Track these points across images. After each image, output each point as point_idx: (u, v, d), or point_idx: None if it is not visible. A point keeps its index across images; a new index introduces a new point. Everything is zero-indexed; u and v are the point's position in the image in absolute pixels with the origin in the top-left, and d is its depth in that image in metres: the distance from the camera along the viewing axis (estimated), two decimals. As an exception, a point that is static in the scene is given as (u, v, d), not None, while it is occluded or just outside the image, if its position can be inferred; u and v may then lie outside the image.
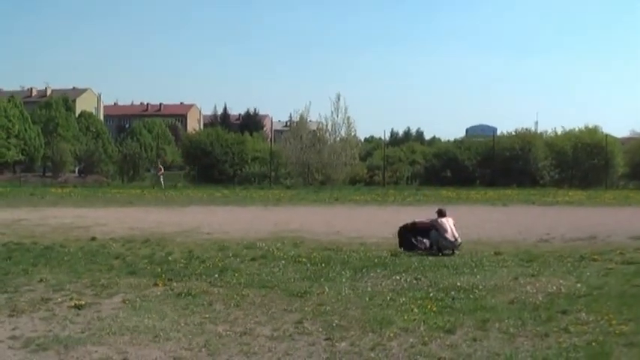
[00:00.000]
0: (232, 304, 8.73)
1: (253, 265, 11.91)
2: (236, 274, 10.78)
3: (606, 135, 43.98)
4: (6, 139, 68.65)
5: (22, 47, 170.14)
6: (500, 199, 29.07)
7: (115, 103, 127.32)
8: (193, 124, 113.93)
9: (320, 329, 7.49)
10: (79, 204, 26.80)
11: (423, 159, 45.72)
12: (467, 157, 43.28)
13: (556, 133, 47.28)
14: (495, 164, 42.44)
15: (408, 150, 48.66)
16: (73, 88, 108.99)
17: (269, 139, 76.93)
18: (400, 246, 13.89)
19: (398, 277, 10.52)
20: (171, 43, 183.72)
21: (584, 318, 7.84)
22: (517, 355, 6.51)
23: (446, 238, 13.34)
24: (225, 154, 44.53)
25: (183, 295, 9.27)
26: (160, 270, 11.19)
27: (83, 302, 8.76)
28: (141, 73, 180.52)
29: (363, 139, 66.65)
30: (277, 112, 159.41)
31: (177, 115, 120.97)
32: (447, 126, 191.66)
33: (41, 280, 10.31)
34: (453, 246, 13.37)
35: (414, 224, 14.23)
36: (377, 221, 19.35)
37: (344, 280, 10.41)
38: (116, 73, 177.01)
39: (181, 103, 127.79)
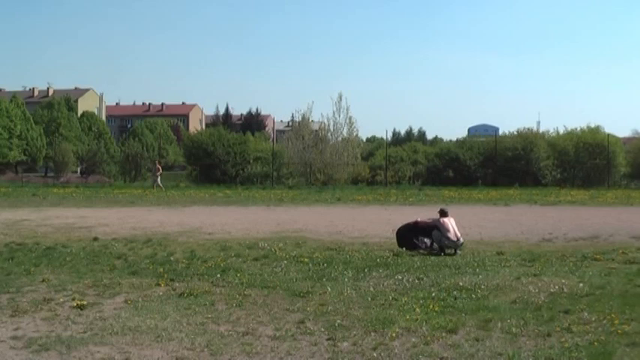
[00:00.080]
0: (234, 304, 8.73)
1: (255, 265, 11.91)
2: (238, 274, 10.78)
3: (608, 135, 43.97)
4: (8, 140, 68.76)
5: (24, 47, 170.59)
6: (503, 199, 29.04)
7: (117, 103, 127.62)
8: (195, 124, 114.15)
9: (322, 329, 7.49)
10: (81, 204, 26.80)
11: (425, 159, 45.67)
12: (469, 156, 43.25)
13: (558, 132, 47.40)
14: (497, 164, 42.44)
15: (410, 150, 48.57)
16: (75, 88, 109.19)
17: (271, 139, 77.05)
18: (399, 245, 13.89)
19: (400, 277, 10.52)
20: (173, 43, 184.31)
21: (587, 318, 7.84)
22: (519, 355, 6.50)
23: (448, 238, 13.34)
24: (227, 154, 44.53)
25: (185, 295, 9.27)
26: (162, 270, 11.19)
27: (85, 302, 8.76)
28: (143, 73, 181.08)
29: (365, 139, 66.82)
30: (279, 112, 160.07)
31: (179, 115, 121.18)
32: (449, 126, 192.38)
33: (43, 281, 10.32)
34: (455, 246, 13.36)
35: (416, 223, 14.22)
36: (379, 221, 19.33)
37: (346, 279, 10.41)
38: (118, 73, 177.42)
39: (183, 103, 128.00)
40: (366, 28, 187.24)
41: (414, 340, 7.02)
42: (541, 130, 49.80)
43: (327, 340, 7.09)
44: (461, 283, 9.93)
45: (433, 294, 9.26)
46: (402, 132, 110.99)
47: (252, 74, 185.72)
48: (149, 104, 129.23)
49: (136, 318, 8.00)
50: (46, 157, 73.10)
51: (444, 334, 7.21)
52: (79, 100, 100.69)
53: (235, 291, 9.56)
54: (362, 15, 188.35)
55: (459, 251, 13.32)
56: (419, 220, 14.35)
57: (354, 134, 48.05)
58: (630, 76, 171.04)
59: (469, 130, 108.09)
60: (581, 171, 42.86)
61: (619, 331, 7.22)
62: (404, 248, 13.64)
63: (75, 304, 8.65)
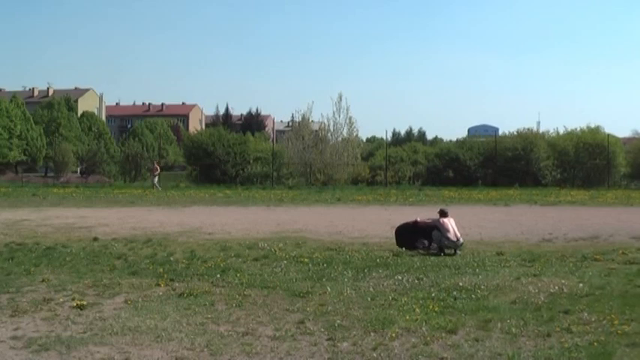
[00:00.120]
0: (234, 305, 8.73)
1: (255, 265, 11.91)
2: (238, 275, 10.78)
3: (608, 135, 44.01)
4: (8, 140, 68.77)
5: (24, 47, 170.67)
6: (503, 199, 29.04)
7: (117, 104, 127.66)
8: (195, 124, 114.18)
9: (322, 329, 7.49)
10: (81, 204, 26.80)
11: (425, 159, 45.69)
12: (469, 157, 43.26)
13: (558, 133, 47.45)
14: (497, 164, 42.45)
15: (410, 150, 48.60)
16: (75, 88, 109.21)
17: (271, 139, 77.04)
18: (398, 245, 13.90)
19: (400, 277, 10.52)
20: (174, 43, 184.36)
21: (587, 318, 7.84)
22: (519, 355, 6.50)
23: (448, 238, 13.33)
24: (227, 155, 44.54)
25: (185, 295, 9.27)
26: (161, 270, 11.19)
27: (85, 302, 8.76)
28: (143, 73, 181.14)
29: (365, 139, 66.78)
30: (279, 113, 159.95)
31: (179, 115, 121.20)
32: (449, 126, 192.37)
33: (43, 281, 10.32)
34: (455, 246, 13.37)
35: (415, 223, 14.23)
36: (379, 221, 19.33)
37: (346, 280, 10.41)
38: (118, 74, 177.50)
39: (183, 103, 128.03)
40: (366, 29, 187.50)
41: (413, 340, 7.02)
42: (541, 131, 49.92)
43: (327, 340, 7.09)
44: (461, 284, 9.93)
45: (433, 294, 9.26)
46: (402, 132, 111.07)
47: (252, 74, 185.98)
48: (149, 104, 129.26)
49: (136, 318, 8.00)
50: (46, 157, 73.14)
51: (443, 335, 7.21)
52: (79, 100, 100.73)
53: (235, 291, 9.56)
54: (362, 15, 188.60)
55: (458, 251, 13.32)
56: (418, 219, 14.35)
57: (354, 134, 48.12)
58: (630, 76, 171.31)
59: (469, 130, 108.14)
60: (581, 171, 42.90)
61: (619, 332, 7.22)
62: (403, 248, 13.64)
63: (75, 304, 8.64)
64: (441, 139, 76.20)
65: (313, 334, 7.33)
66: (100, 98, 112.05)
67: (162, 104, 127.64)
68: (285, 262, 12.08)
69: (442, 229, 13.42)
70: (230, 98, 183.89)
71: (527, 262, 11.98)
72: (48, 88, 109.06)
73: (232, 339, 7.14)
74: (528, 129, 47.38)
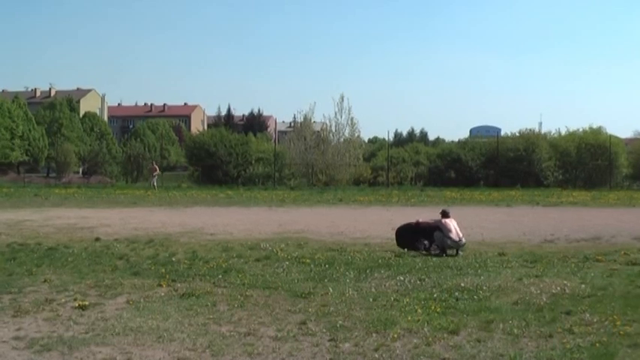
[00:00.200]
0: (236, 305, 8.73)
1: (257, 265, 11.91)
2: (240, 275, 10.78)
3: (610, 136, 44.03)
4: (10, 140, 68.88)
5: (26, 48, 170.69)
6: (504, 200, 29.05)
7: (119, 104, 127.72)
8: (197, 125, 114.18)
9: (324, 330, 7.49)
10: (83, 205, 26.83)
11: (427, 160, 45.71)
12: (471, 157, 43.26)
13: (560, 133, 47.46)
14: (499, 165, 42.44)
15: (411, 151, 48.62)
16: (77, 88, 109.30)
17: (273, 140, 77.02)
18: (399, 245, 13.90)
19: (402, 278, 10.51)
20: (175, 44, 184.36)
21: (589, 319, 7.83)
22: (521, 356, 6.50)
23: (450, 238, 13.33)
24: (229, 155, 44.55)
25: (187, 295, 9.27)
26: (163, 271, 11.20)
27: (87, 303, 8.76)
28: (145, 73, 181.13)
29: (366, 140, 66.84)
30: (281, 113, 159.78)
31: (181, 116, 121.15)
32: (450, 126, 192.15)
33: (45, 281, 10.32)
34: (457, 246, 13.37)
35: (417, 224, 14.22)
36: (381, 222, 19.33)
37: (348, 280, 10.41)
38: (120, 74, 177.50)
39: (185, 104, 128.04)
40: (367, 29, 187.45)
41: (415, 341, 7.02)
42: (543, 131, 50.11)
43: (329, 341, 7.09)
44: (462, 284, 9.92)
45: (435, 295, 9.25)
46: (404, 133, 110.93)
47: (254, 75, 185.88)
48: (151, 105, 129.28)
49: (138, 318, 8.00)
50: (48, 158, 73.26)
51: (445, 335, 7.20)
52: (81, 101, 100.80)
53: (237, 292, 9.56)
54: (363, 15, 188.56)
55: (460, 252, 13.31)
56: (420, 220, 14.35)
57: (356, 135, 48.11)
58: (632, 76, 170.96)
59: (471, 130, 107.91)
60: (583, 172, 42.89)
61: (621, 333, 7.21)
62: (405, 249, 13.64)
63: (77, 305, 8.65)
64: (443, 140, 76.29)
65: (315, 334, 7.33)
66: (102, 99, 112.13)
67: (164, 105, 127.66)
68: (287, 262, 12.08)
69: (444, 230, 13.41)
70: (232, 99, 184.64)
71: (529, 263, 11.97)
72: (50, 89, 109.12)
73: (234, 339, 7.14)
74: (530, 129, 47.54)
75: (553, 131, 49.48)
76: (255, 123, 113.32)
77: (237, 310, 8.50)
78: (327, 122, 47.72)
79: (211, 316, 8.13)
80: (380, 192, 35.68)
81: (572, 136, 45.08)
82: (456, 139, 57.97)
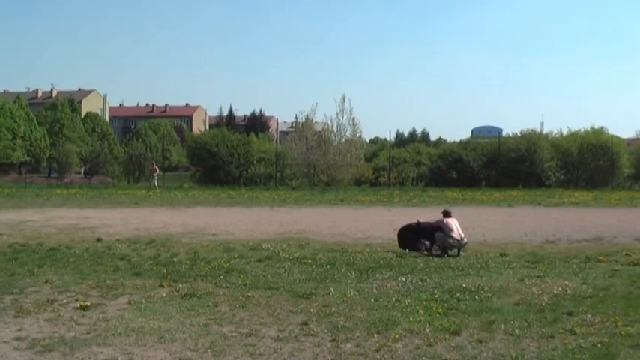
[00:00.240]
0: (238, 305, 8.73)
1: (259, 266, 11.91)
2: (241, 275, 10.79)
3: (612, 136, 43.98)
4: (12, 140, 68.95)
5: (27, 48, 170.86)
6: (506, 201, 29.04)
7: (120, 104, 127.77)
8: (199, 125, 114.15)
9: (325, 330, 7.49)
10: (85, 205, 26.86)
11: (429, 160, 45.69)
12: (472, 158, 43.24)
13: (561, 134, 47.42)
14: (501, 165, 42.43)
15: (413, 151, 48.58)
16: (79, 89, 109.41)
17: (274, 141, 77.01)
18: (401, 246, 13.90)
19: (403, 279, 10.51)
20: (178, 44, 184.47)
21: (590, 319, 7.82)
22: (523, 357, 6.49)
23: (452, 237, 13.34)
24: (230, 155, 44.58)
25: (188, 296, 9.27)
26: (165, 271, 11.20)
27: (89, 303, 8.77)
28: (146, 74, 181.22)
29: (368, 140, 66.86)
30: (283, 114, 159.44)
31: (183, 116, 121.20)
32: (452, 127, 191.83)
33: (47, 281, 10.33)
34: (459, 245, 13.37)
35: (418, 224, 14.22)
36: (382, 222, 19.32)
37: (349, 281, 10.41)
38: (122, 74, 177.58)
39: (187, 104, 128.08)
40: (369, 29, 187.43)
41: (417, 341, 7.02)
42: (544, 132, 49.98)
43: (331, 341, 7.09)
44: (464, 285, 9.92)
45: (436, 295, 9.25)
46: (406, 133, 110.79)
47: (256, 75, 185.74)
48: (152, 105, 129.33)
49: (140, 319, 8.00)
50: (49, 158, 73.33)
51: (447, 336, 7.20)
52: (83, 101, 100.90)
53: (238, 292, 9.56)
54: (365, 16, 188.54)
55: (462, 252, 13.31)
56: (421, 221, 14.34)
57: (358, 135, 48.16)
58: (634, 77, 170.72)
59: (472, 131, 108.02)
60: (585, 172, 42.87)
61: (622, 333, 7.20)
62: (407, 250, 13.64)
63: (78, 305, 8.66)
64: (445, 140, 76.31)
65: (317, 335, 7.33)
66: (104, 99, 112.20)
67: (166, 105, 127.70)
68: (289, 263, 12.08)
69: (446, 229, 13.42)
70: (234, 99, 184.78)
71: (530, 264, 11.96)
72: (52, 89, 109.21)
73: (236, 340, 7.15)
74: (532, 130, 47.49)
75: (555, 132, 49.47)
76: (257, 123, 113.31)
77: (238, 310, 8.50)
78: (329, 123, 47.83)
79: (213, 317, 8.13)
80: (381, 192, 35.69)
81: (573, 136, 45.05)
82: (458, 140, 58.05)
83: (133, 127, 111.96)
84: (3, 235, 16.29)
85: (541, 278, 10.46)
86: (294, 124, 71.37)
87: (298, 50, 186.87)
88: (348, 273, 10.99)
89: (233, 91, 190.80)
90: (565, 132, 47.36)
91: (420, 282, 10.28)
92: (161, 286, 10.03)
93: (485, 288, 9.70)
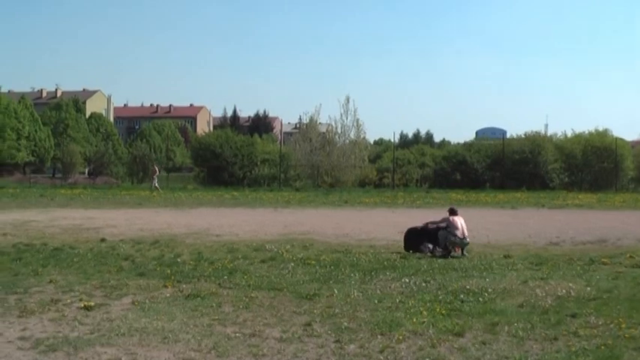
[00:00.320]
0: (241, 306, 8.74)
1: (262, 267, 11.92)
2: (245, 276, 10.79)
3: (616, 138, 43.85)
4: (16, 141, 68.99)
5: (32, 49, 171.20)
6: (510, 202, 29.00)
7: (125, 105, 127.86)
8: (203, 126, 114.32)
9: (329, 331, 7.49)
10: (89, 205, 26.89)
11: (433, 161, 45.64)
12: (476, 159, 43.17)
13: (566, 136, 47.27)
14: (505, 167, 42.35)
15: (417, 152, 48.54)
16: (84, 89, 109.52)
17: (278, 141, 77.07)
18: (405, 249, 13.90)
19: (407, 280, 10.51)
20: (182, 45, 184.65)
21: (594, 322, 7.82)
22: (526, 359, 6.49)
23: (455, 235, 13.35)
24: (234, 156, 44.58)
25: (192, 296, 9.28)
26: (169, 271, 11.22)
27: (92, 303, 8.78)
28: (151, 74, 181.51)
29: (372, 142, 66.76)
30: (287, 115, 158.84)
31: (187, 117, 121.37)
32: (456, 128, 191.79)
33: (51, 282, 10.35)
34: (462, 244, 13.37)
35: (424, 226, 14.22)
36: (386, 224, 19.33)
37: (353, 282, 10.41)
38: (126, 75, 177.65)
39: (191, 105, 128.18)
40: (373, 30, 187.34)
41: (420, 343, 7.02)
42: (549, 134, 49.81)
43: (334, 342, 7.09)
44: (468, 287, 9.91)
45: (440, 297, 9.25)
46: (410, 135, 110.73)
47: (260, 76, 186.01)
48: (157, 106, 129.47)
49: (143, 319, 8.02)
50: (53, 158, 73.37)
51: (450, 338, 7.20)
52: (87, 102, 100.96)
53: (242, 293, 9.57)
54: (369, 17, 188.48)
55: (465, 254, 13.31)
56: (428, 223, 14.33)
57: (362, 137, 48.07)
58: (638, 78, 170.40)
59: (477, 132, 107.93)
60: (589, 174, 42.77)
61: (626, 335, 7.19)
62: (410, 251, 13.64)
63: (82, 305, 8.68)
64: (449, 142, 76.34)
65: (320, 336, 7.33)
66: (108, 100, 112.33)
67: (170, 106, 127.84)
68: (292, 264, 12.09)
69: (451, 227, 13.44)
70: (238, 100, 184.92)
71: (534, 266, 11.95)
72: (56, 90, 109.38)
73: (239, 341, 7.15)
74: (536, 132, 47.31)
75: (559, 133, 49.30)
76: (261, 124, 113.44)
77: (242, 311, 8.51)
78: (333, 124, 47.75)
79: (216, 317, 8.14)
80: (385, 194, 35.67)
81: (578, 138, 44.94)
82: (462, 141, 57.99)
83: (137, 127, 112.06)
84: (7, 235, 16.33)
85: (545, 280, 10.45)
86: (298, 125, 71.36)
87: (298, 50, 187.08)
88: (352, 274, 10.99)
89: (237, 92, 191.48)
90: (569, 134, 47.28)
91: (423, 283, 10.29)
92: (165, 286, 10.04)
93: (489, 290, 9.69)
